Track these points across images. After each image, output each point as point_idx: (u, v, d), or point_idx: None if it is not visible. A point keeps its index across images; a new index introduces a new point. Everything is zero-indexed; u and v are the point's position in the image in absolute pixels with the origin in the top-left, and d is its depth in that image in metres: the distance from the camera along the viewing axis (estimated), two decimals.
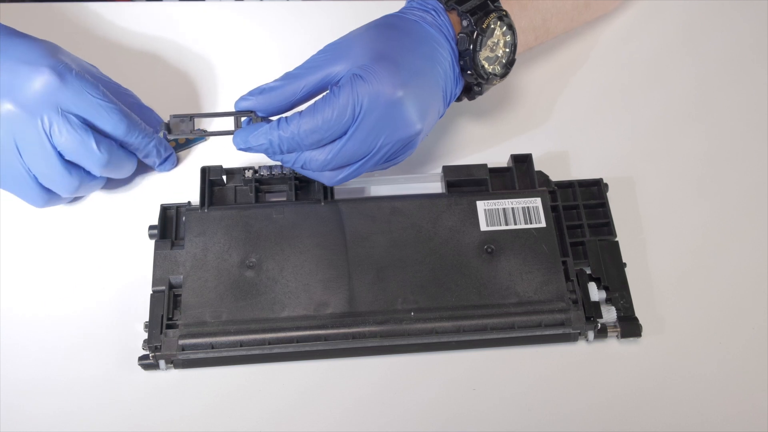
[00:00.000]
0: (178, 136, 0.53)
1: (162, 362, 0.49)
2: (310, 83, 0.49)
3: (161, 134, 0.54)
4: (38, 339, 0.52)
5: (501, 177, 0.57)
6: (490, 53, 0.52)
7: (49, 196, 0.53)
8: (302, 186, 0.55)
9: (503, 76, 0.53)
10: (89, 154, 0.50)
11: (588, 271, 0.53)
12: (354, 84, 0.47)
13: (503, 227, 0.53)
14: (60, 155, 0.50)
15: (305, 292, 0.50)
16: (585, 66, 0.65)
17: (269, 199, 0.55)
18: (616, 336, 0.51)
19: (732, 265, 0.55)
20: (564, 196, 0.56)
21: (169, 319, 0.50)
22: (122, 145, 0.53)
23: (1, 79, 0.49)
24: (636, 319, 0.51)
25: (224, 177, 0.55)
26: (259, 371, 0.51)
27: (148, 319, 0.50)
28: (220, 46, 0.65)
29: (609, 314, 0.52)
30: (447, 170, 0.56)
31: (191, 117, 0.52)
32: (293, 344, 0.49)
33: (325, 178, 0.51)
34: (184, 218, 0.53)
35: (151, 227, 0.54)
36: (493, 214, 0.54)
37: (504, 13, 0.52)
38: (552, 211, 0.54)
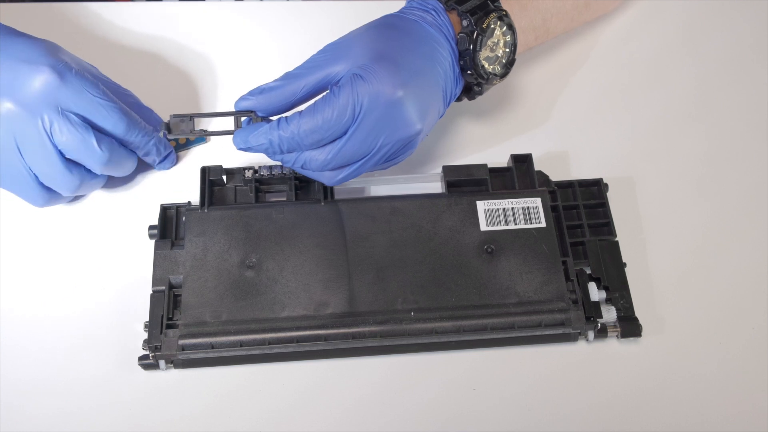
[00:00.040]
0: (178, 136, 0.53)
1: (162, 362, 0.49)
2: (310, 83, 0.49)
3: (161, 134, 0.54)
4: (38, 339, 0.52)
5: (501, 177, 0.57)
6: (490, 53, 0.52)
7: (49, 195, 0.53)
8: (302, 186, 0.55)
9: (503, 76, 0.53)
10: (90, 152, 0.50)
11: (588, 271, 0.53)
12: (354, 84, 0.47)
13: (503, 227, 0.53)
14: (60, 154, 0.50)
15: (305, 292, 0.50)
16: (585, 66, 0.65)
17: (269, 199, 0.55)
18: (616, 336, 0.51)
19: (732, 265, 0.55)
20: (564, 196, 0.56)
21: (169, 319, 0.50)
22: (122, 144, 0.53)
23: (2, 78, 0.49)
24: (636, 319, 0.52)
25: (224, 177, 0.55)
26: (259, 371, 0.51)
27: (148, 319, 0.50)
28: (220, 46, 0.65)
29: (609, 314, 0.52)
30: (447, 170, 0.56)
31: (191, 117, 0.52)
32: (293, 344, 0.49)
33: (325, 178, 0.51)
34: (184, 218, 0.53)
35: (151, 227, 0.54)
36: (493, 214, 0.54)
37: (504, 13, 0.52)
38: (552, 211, 0.54)
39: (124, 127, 0.51)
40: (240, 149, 0.50)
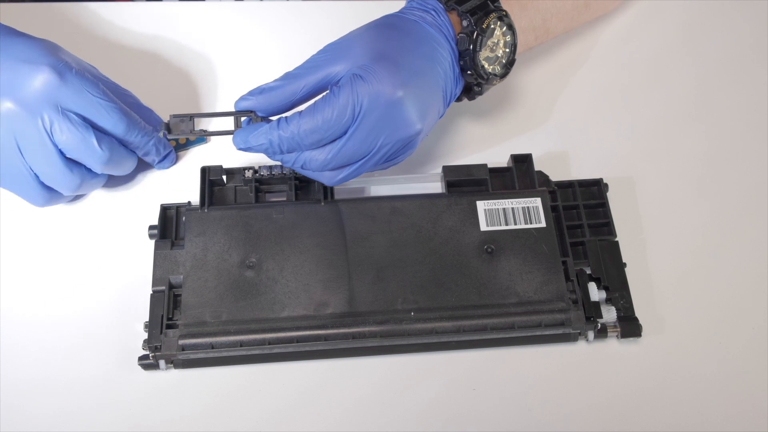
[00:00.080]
0: (178, 136, 0.53)
1: (162, 362, 0.49)
2: (310, 83, 0.49)
3: (161, 134, 0.54)
4: (38, 339, 0.52)
5: (501, 177, 0.57)
6: (490, 53, 0.52)
7: (49, 195, 0.53)
8: (302, 186, 0.55)
9: (503, 76, 0.53)
10: (90, 151, 0.50)
11: (588, 271, 0.53)
12: (354, 84, 0.47)
13: (503, 227, 0.53)
14: (61, 153, 0.50)
15: (305, 292, 0.50)
16: (585, 66, 0.65)
17: (269, 199, 0.55)
18: (616, 336, 0.51)
19: (732, 265, 0.55)
20: (564, 196, 0.56)
21: (169, 319, 0.50)
22: (122, 144, 0.53)
23: (2, 77, 0.49)
24: (636, 319, 0.52)
25: (224, 177, 0.55)
26: (259, 371, 0.51)
27: (148, 319, 0.50)
28: (220, 46, 0.65)
29: (609, 314, 0.52)
30: (447, 170, 0.56)
31: (191, 117, 0.52)
32: (293, 344, 0.49)
33: (325, 178, 0.51)
34: (184, 218, 0.53)
35: (151, 227, 0.54)
36: (493, 214, 0.54)
37: (504, 13, 0.52)
38: (552, 211, 0.54)
39: (124, 127, 0.51)
40: (240, 149, 0.50)
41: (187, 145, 0.59)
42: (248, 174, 0.54)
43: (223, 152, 0.58)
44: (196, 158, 0.59)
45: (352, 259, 0.51)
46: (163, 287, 0.50)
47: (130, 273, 0.54)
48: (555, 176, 0.57)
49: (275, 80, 0.50)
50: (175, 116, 0.52)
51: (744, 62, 0.65)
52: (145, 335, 0.49)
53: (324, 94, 0.48)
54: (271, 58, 0.64)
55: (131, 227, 0.55)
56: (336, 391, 0.50)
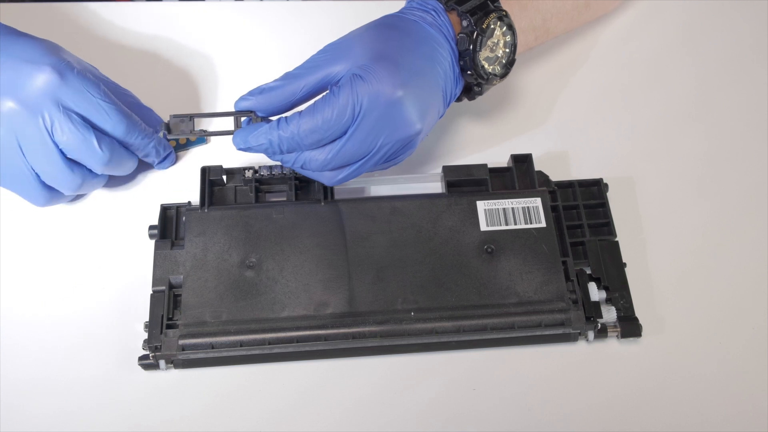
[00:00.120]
0: (178, 136, 0.53)
1: (162, 362, 0.49)
2: (309, 83, 0.49)
3: (161, 134, 0.54)
4: (38, 339, 0.52)
5: (501, 177, 0.57)
6: (490, 53, 0.52)
7: (50, 194, 0.53)
8: (302, 186, 0.55)
9: (503, 76, 0.53)
10: (91, 152, 0.50)
11: (588, 271, 0.53)
12: (354, 84, 0.47)
13: (503, 227, 0.53)
14: (62, 153, 0.50)
15: (305, 292, 0.50)
16: (585, 66, 0.65)
17: (269, 199, 0.55)
18: (616, 336, 0.51)
19: (732, 265, 0.55)
20: (564, 196, 0.56)
21: (169, 319, 0.50)
22: (122, 145, 0.53)
23: (3, 77, 0.49)
24: (636, 319, 0.52)
25: (224, 177, 0.55)
26: (259, 371, 0.51)
27: (148, 319, 0.50)
28: (220, 46, 0.65)
29: (609, 314, 0.52)
30: (447, 170, 0.56)
31: (191, 117, 0.52)
32: (293, 344, 0.49)
33: (325, 178, 0.51)
34: (184, 218, 0.53)
35: (151, 227, 0.54)
36: (493, 214, 0.54)
37: (504, 13, 0.52)
38: (552, 211, 0.54)
39: (124, 129, 0.51)
40: (240, 149, 0.50)
41: (187, 145, 0.60)
42: (248, 174, 0.54)
43: (223, 152, 0.58)
44: (196, 158, 0.59)
45: (352, 259, 0.51)
46: (163, 287, 0.50)
47: (130, 273, 0.54)
48: (555, 176, 0.57)
49: (275, 80, 0.50)
50: (175, 116, 0.52)
51: (744, 62, 0.65)
52: (145, 335, 0.49)
53: (324, 94, 0.48)
54: (271, 58, 0.64)
55: (131, 227, 0.55)
56: (336, 391, 0.50)
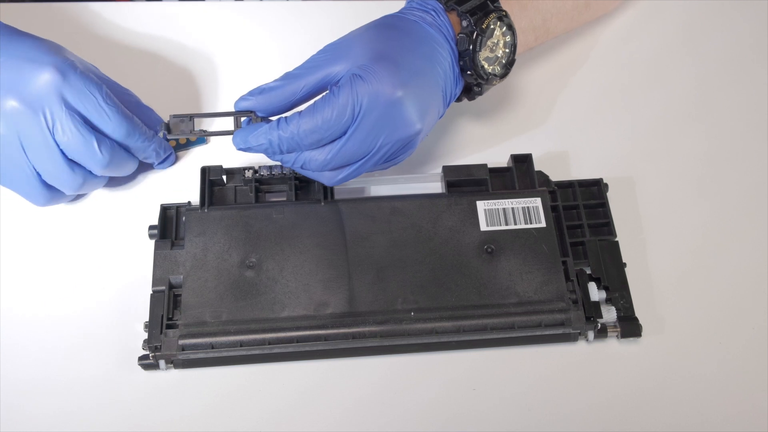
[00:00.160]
0: (177, 136, 0.53)
1: (162, 362, 0.49)
2: (309, 83, 0.49)
3: (161, 134, 0.54)
4: (38, 339, 0.52)
5: (501, 177, 0.57)
6: (490, 53, 0.52)
7: (51, 194, 0.53)
8: (302, 186, 0.55)
9: (503, 76, 0.53)
10: (91, 154, 0.50)
11: (588, 271, 0.53)
12: (353, 84, 0.47)
13: (503, 227, 0.53)
14: (63, 153, 0.50)
15: (305, 292, 0.50)
16: (585, 66, 0.65)
17: (269, 199, 0.55)
18: (616, 336, 0.51)
19: (732, 265, 0.55)
20: (564, 196, 0.56)
21: (169, 319, 0.50)
22: (122, 147, 0.53)
23: (6, 76, 0.49)
24: (636, 319, 0.51)
25: (224, 177, 0.55)
26: (259, 371, 0.51)
27: (148, 319, 0.50)
28: (220, 46, 0.65)
29: (609, 314, 0.52)
30: (447, 170, 0.56)
31: (191, 117, 0.52)
32: (293, 344, 0.49)
33: (325, 178, 0.51)
34: (184, 218, 0.53)
35: (151, 227, 0.54)
36: (493, 214, 0.54)
37: (504, 13, 0.52)
38: (552, 211, 0.54)
39: (124, 132, 0.51)
40: (240, 149, 0.50)
41: (187, 145, 0.60)
42: (248, 174, 0.54)
43: (223, 152, 0.58)
44: (196, 158, 0.59)
45: (352, 259, 0.51)
46: (163, 287, 0.50)
47: (130, 273, 0.54)
48: (555, 176, 0.57)
49: (275, 80, 0.50)
50: (174, 116, 0.52)
51: (744, 62, 0.65)
52: (145, 335, 0.49)
53: (324, 94, 0.48)
54: (271, 58, 0.64)
55: (131, 227, 0.55)
56: (336, 391, 0.50)
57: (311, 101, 0.49)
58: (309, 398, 0.50)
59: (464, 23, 0.52)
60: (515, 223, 0.53)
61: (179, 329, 0.49)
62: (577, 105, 0.63)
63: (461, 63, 0.52)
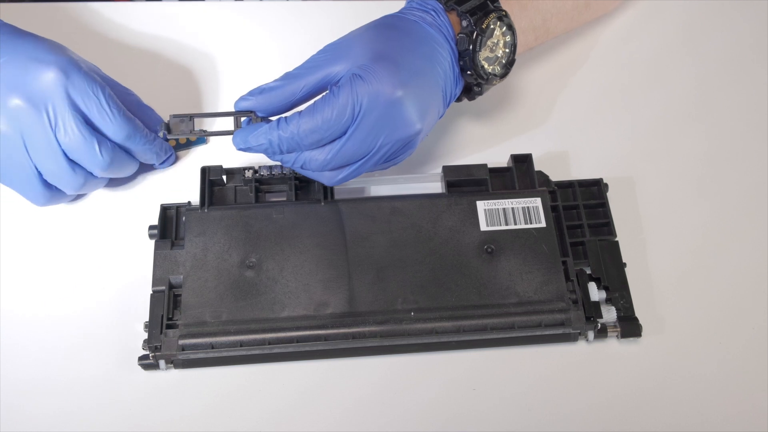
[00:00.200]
0: (177, 136, 0.53)
1: (162, 362, 0.49)
2: (309, 83, 0.49)
3: (161, 134, 0.54)
4: (38, 339, 0.52)
5: (501, 177, 0.57)
6: (490, 53, 0.52)
7: (50, 194, 0.53)
8: (302, 186, 0.55)
9: (503, 76, 0.53)
10: (91, 155, 0.50)
11: (588, 271, 0.53)
12: (353, 84, 0.47)
13: (503, 227, 0.53)
14: (65, 153, 0.50)
15: (305, 292, 0.50)
16: (585, 66, 0.65)
17: (269, 199, 0.55)
18: (616, 336, 0.51)
19: (732, 265, 0.55)
20: (564, 196, 0.56)
21: (169, 319, 0.50)
22: (123, 149, 0.53)
23: (10, 74, 0.49)
24: (636, 319, 0.51)
25: (224, 177, 0.55)
26: (259, 371, 0.51)
27: (148, 319, 0.50)
28: (220, 46, 0.65)
29: (609, 314, 0.52)
30: (447, 170, 0.56)
31: (191, 117, 0.52)
32: (293, 344, 0.49)
33: (325, 178, 0.51)
34: (184, 218, 0.53)
35: (151, 227, 0.54)
36: (493, 214, 0.54)
37: (504, 13, 0.52)
38: (552, 211, 0.54)
39: (125, 135, 0.51)
40: (240, 149, 0.50)
41: (187, 145, 0.60)
42: (248, 174, 0.54)
43: (223, 152, 0.58)
44: (196, 158, 0.59)
45: (352, 259, 0.51)
46: (163, 287, 0.50)
47: (130, 273, 0.54)
48: (555, 176, 0.57)
49: (275, 80, 0.50)
50: (175, 116, 0.52)
51: (744, 62, 0.65)
52: (145, 335, 0.49)
53: (324, 94, 0.48)
54: (271, 58, 0.64)
55: (131, 227, 0.55)
56: (336, 391, 0.50)
57: (311, 101, 0.49)
58: (309, 398, 0.50)
59: (464, 23, 0.52)
60: (515, 223, 0.53)
61: (179, 329, 0.49)
62: (577, 105, 0.63)
63: (461, 63, 0.52)
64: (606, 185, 0.57)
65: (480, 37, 0.51)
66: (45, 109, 0.49)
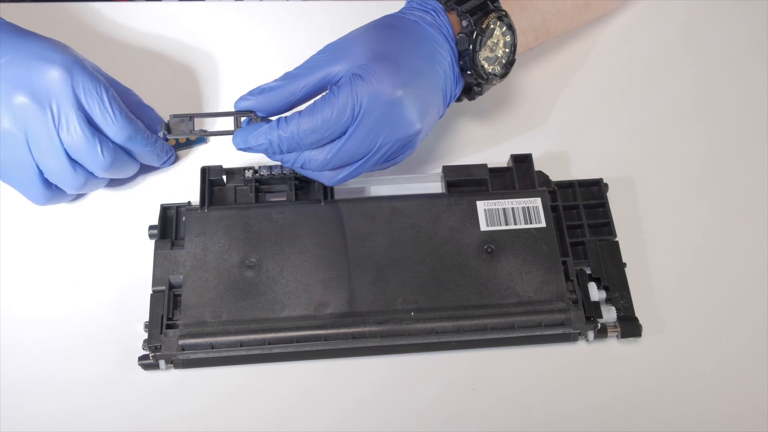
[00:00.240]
0: (177, 136, 0.53)
1: (162, 362, 0.49)
2: (309, 83, 0.49)
3: (161, 134, 0.54)
4: (38, 339, 0.52)
5: (501, 177, 0.57)
6: (490, 53, 0.52)
7: (51, 193, 0.53)
8: (302, 186, 0.55)
9: (503, 76, 0.53)
10: (93, 155, 0.50)
11: (588, 271, 0.53)
12: (353, 84, 0.47)
13: (503, 227, 0.53)
14: (67, 152, 0.50)
15: (305, 292, 0.50)
16: (585, 66, 0.65)
17: (269, 199, 0.55)
18: (616, 336, 0.51)
19: (732, 265, 0.55)
20: (564, 196, 0.56)
21: (169, 319, 0.50)
22: (123, 150, 0.53)
23: (15, 72, 0.49)
24: (636, 319, 0.51)
25: (224, 177, 0.55)
26: (259, 371, 0.51)
27: (148, 319, 0.50)
28: (221, 46, 0.65)
29: (609, 314, 0.52)
30: (447, 170, 0.56)
31: (191, 117, 0.52)
32: (293, 344, 0.49)
33: (325, 177, 0.51)
34: (184, 218, 0.53)
35: (151, 227, 0.54)
36: (493, 214, 0.54)
37: (504, 13, 0.52)
38: (552, 211, 0.54)
39: (126, 136, 0.51)
40: (240, 149, 0.50)
41: (187, 145, 0.60)
42: (248, 174, 0.54)
43: (223, 152, 0.58)
44: (196, 158, 0.59)
45: (352, 259, 0.51)
46: (163, 287, 0.50)
47: (130, 273, 0.54)
48: (555, 176, 0.57)
49: (275, 80, 0.50)
50: (175, 116, 0.52)
51: (744, 62, 0.65)
52: (145, 335, 0.49)
53: (324, 94, 0.48)
54: (271, 58, 0.64)
55: (131, 227, 0.55)
56: (336, 391, 0.50)
57: (311, 101, 0.49)
58: (309, 398, 0.50)
59: (464, 23, 0.52)
60: (515, 223, 0.53)
61: (179, 329, 0.49)
62: (577, 105, 0.63)
63: (461, 63, 0.52)
64: (606, 185, 0.57)
65: (480, 37, 0.51)
66: (49, 107, 0.49)
